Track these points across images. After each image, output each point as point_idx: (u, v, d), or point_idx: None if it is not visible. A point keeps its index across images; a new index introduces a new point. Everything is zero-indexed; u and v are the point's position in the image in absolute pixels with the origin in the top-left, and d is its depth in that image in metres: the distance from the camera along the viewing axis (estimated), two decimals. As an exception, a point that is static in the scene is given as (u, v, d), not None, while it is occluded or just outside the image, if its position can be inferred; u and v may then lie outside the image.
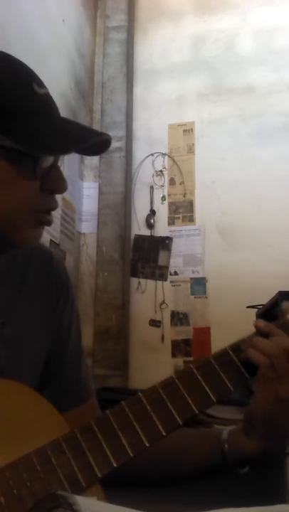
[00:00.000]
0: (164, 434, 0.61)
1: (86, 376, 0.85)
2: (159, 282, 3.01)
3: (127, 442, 0.59)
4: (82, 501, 0.46)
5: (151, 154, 3.23)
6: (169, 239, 3.07)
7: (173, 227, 3.09)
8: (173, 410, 0.62)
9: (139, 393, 0.63)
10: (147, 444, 0.60)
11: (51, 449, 0.58)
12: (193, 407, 0.63)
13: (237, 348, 0.69)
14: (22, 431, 0.60)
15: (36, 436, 0.59)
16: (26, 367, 0.76)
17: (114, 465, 0.58)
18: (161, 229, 3.10)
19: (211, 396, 0.64)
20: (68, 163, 2.90)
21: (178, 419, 0.62)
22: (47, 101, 0.73)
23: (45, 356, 0.80)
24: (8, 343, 0.74)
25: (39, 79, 0.73)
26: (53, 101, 0.75)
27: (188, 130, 3.22)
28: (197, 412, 0.63)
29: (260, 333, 0.71)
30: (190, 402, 0.63)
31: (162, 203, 3.14)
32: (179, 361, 2.86)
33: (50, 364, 0.81)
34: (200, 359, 0.68)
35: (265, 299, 2.07)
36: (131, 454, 0.59)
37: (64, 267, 0.88)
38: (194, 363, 0.67)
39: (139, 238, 3.11)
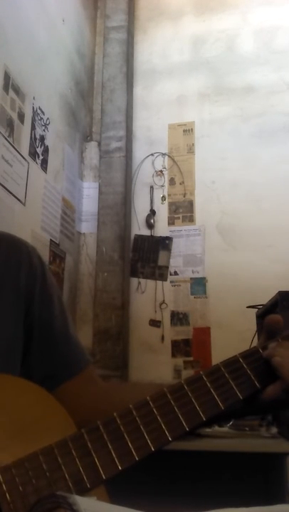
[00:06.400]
0: (170, 439, 0.61)
1: (76, 349, 0.87)
2: (159, 282, 3.01)
3: (133, 446, 0.59)
4: (82, 501, 0.46)
5: (151, 154, 3.22)
6: (169, 239, 3.07)
7: (173, 227, 3.09)
8: (180, 416, 0.62)
9: (147, 397, 0.63)
10: (153, 449, 0.60)
11: (58, 448, 0.58)
12: (201, 414, 0.62)
13: (247, 355, 0.68)
14: (29, 429, 0.61)
15: (43, 435, 0.60)
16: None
17: (120, 468, 0.58)
18: (161, 229, 3.10)
19: (220, 403, 0.63)
20: (68, 164, 2.90)
21: (185, 424, 0.62)
22: None
23: (23, 342, 0.82)
24: None
25: None
26: None
27: (188, 130, 3.22)
28: (204, 418, 0.62)
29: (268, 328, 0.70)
30: (198, 408, 0.63)
31: (162, 203, 3.14)
32: (179, 361, 2.86)
33: (39, 345, 0.83)
34: (210, 367, 0.67)
35: (265, 299, 2.07)
36: (136, 458, 0.59)
37: (38, 256, 0.90)
38: (204, 370, 0.67)
39: (139, 238, 3.11)
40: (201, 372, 0.66)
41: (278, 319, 0.71)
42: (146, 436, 0.60)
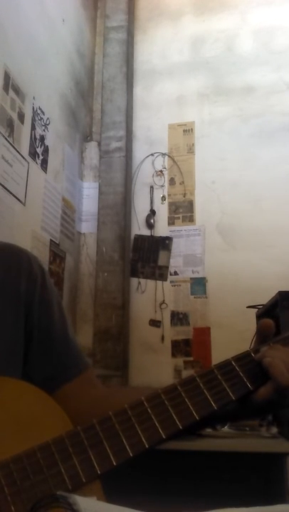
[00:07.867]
0: (164, 437, 0.63)
1: (76, 352, 0.89)
2: (159, 282, 3.01)
3: (128, 443, 0.61)
4: (82, 501, 0.46)
5: (151, 154, 3.23)
6: (169, 239, 3.07)
7: (173, 227, 3.09)
8: (174, 415, 0.64)
9: (142, 397, 0.65)
10: (147, 446, 0.62)
11: (54, 445, 0.60)
12: (194, 413, 0.64)
13: (240, 358, 0.70)
14: (28, 428, 0.63)
15: (41, 433, 0.62)
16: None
17: (114, 464, 0.60)
18: (161, 229, 3.10)
19: (212, 403, 0.65)
20: (68, 164, 2.90)
21: (178, 423, 0.63)
22: None
23: (24, 345, 0.84)
24: None
25: None
26: None
27: (188, 130, 3.22)
28: (198, 418, 0.64)
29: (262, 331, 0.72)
30: (191, 408, 0.64)
31: (162, 203, 3.14)
32: (179, 361, 2.86)
33: (39, 348, 0.84)
34: (203, 369, 0.69)
35: (265, 299, 2.07)
36: (131, 454, 0.61)
37: (38, 264, 0.92)
38: (197, 372, 0.69)
39: (139, 238, 3.11)
40: (195, 374, 0.68)
41: (270, 324, 0.72)
42: (141, 434, 0.62)
